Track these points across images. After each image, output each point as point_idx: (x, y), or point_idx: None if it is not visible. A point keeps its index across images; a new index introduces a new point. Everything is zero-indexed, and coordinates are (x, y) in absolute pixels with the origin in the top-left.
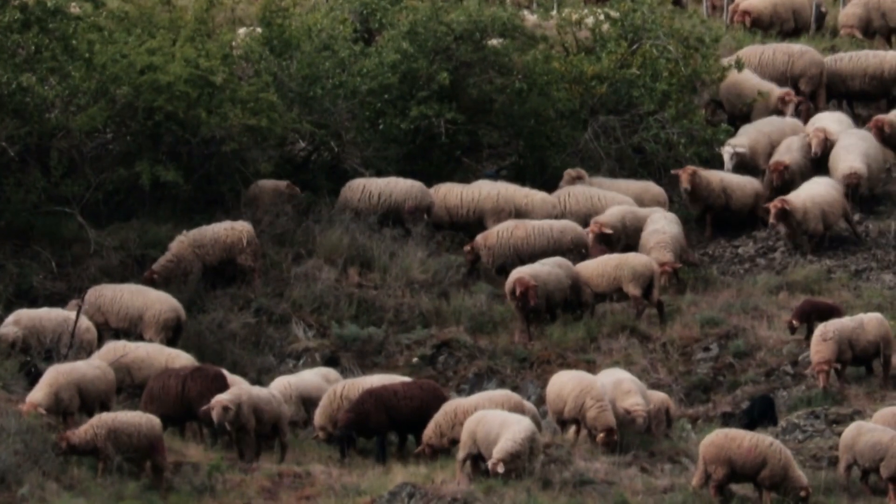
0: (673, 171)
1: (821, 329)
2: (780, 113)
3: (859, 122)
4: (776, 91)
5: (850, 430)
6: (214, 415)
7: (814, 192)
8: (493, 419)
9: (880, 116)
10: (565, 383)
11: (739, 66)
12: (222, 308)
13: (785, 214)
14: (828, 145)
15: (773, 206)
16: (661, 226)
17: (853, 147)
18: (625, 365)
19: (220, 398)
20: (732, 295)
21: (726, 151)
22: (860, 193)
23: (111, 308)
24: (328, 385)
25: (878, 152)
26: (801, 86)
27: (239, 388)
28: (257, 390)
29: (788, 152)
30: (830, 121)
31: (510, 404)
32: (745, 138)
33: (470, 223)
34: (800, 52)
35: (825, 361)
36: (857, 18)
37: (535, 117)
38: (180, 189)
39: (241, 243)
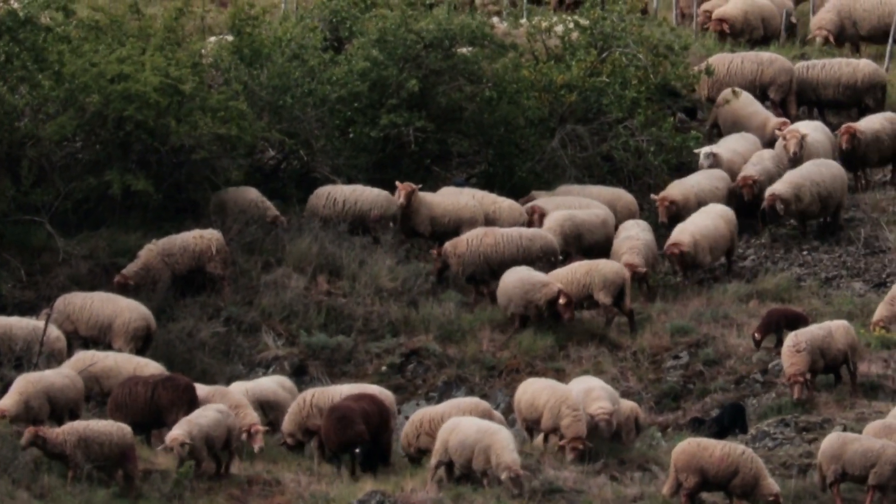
0: (652, 197)
1: (792, 339)
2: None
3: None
4: (772, 120)
5: (832, 440)
6: (175, 454)
7: (702, 227)
8: (468, 428)
9: (852, 124)
10: (538, 393)
11: (709, 72)
12: (192, 317)
13: (683, 257)
14: (805, 145)
15: (672, 252)
16: (635, 233)
17: (796, 172)
18: (595, 373)
19: (175, 436)
20: (702, 303)
21: (703, 152)
22: (779, 219)
23: (80, 316)
24: (284, 391)
25: (824, 181)
26: (771, 94)
27: (188, 420)
28: (205, 418)
29: (760, 162)
30: (808, 127)
31: (478, 412)
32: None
33: (448, 233)
34: (769, 59)
35: (800, 373)
36: (832, 24)
37: (505, 125)
38: (150, 198)
39: (210, 251)
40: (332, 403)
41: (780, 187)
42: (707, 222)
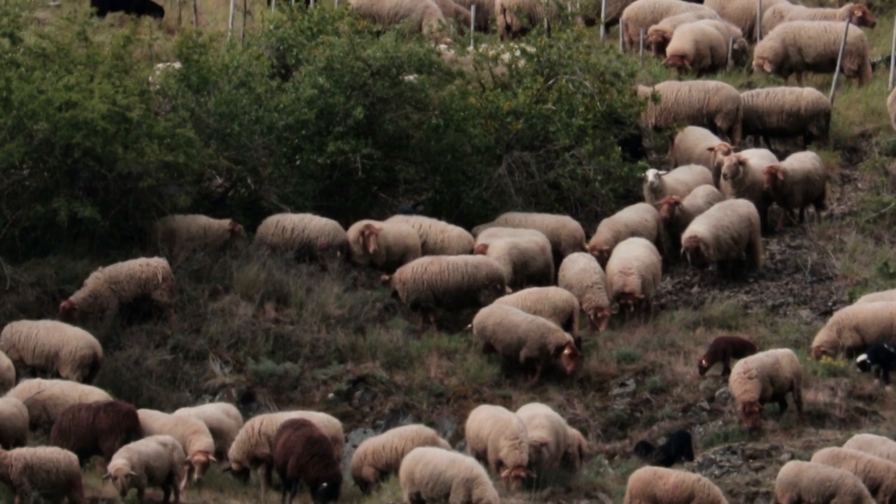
0: (587, 247)
1: (742, 367)
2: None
3: (777, 157)
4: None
5: (789, 469)
6: (118, 484)
7: (644, 260)
8: (439, 458)
9: (775, 164)
10: (483, 423)
11: (656, 98)
12: (139, 344)
13: (636, 304)
14: (740, 171)
15: (628, 302)
16: (587, 264)
17: (710, 215)
18: (541, 400)
19: (119, 466)
20: (649, 331)
21: (650, 172)
22: (704, 260)
23: (26, 345)
24: (229, 418)
25: (732, 225)
26: (718, 122)
27: (129, 448)
28: (145, 447)
29: (693, 199)
30: (755, 155)
31: (420, 439)
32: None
33: (394, 262)
34: (715, 88)
35: (754, 401)
36: (773, 52)
37: (452, 153)
38: (97, 225)
39: (157, 279)
40: (303, 433)
41: (702, 232)
42: (642, 253)
